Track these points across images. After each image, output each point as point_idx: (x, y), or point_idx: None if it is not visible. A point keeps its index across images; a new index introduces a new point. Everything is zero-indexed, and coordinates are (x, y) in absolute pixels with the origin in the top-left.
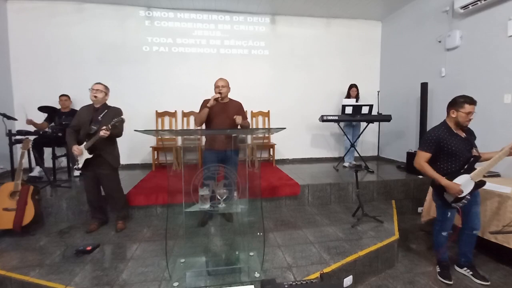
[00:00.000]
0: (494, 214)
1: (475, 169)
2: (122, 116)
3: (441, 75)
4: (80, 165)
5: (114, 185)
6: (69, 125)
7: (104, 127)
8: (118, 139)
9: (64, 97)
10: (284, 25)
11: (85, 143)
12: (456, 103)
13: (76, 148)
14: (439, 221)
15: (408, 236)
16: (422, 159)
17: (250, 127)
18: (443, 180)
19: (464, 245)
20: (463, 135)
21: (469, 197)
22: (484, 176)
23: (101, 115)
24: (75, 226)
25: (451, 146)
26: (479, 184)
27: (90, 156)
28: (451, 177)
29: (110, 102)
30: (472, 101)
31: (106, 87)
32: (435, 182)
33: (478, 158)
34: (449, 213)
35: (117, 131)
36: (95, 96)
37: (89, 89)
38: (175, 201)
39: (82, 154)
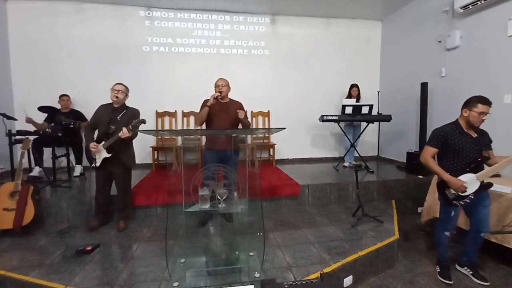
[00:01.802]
0: (494, 214)
1: (482, 169)
2: (142, 118)
3: (441, 75)
4: (98, 164)
5: (125, 184)
6: (89, 123)
7: (124, 128)
8: None
9: (66, 97)
10: (284, 25)
11: (103, 142)
12: (470, 103)
13: (93, 145)
14: (442, 220)
15: (408, 236)
16: (428, 154)
17: (250, 127)
18: (445, 175)
19: (469, 245)
20: (474, 135)
21: (472, 197)
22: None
23: (119, 115)
24: (75, 226)
25: (458, 144)
26: (486, 185)
27: (109, 155)
28: (456, 174)
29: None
30: (485, 101)
31: (126, 88)
32: (439, 179)
33: (486, 159)
34: (453, 212)
35: (134, 133)
36: (116, 97)
37: (110, 89)
38: (175, 201)
39: (100, 152)
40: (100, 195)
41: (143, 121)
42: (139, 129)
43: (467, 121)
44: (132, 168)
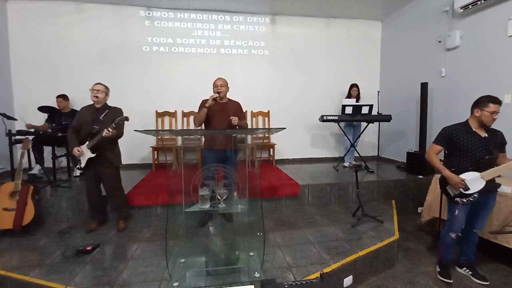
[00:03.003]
0: (494, 214)
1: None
2: (125, 115)
3: (441, 75)
4: (82, 165)
5: (115, 184)
6: (70, 126)
7: (108, 127)
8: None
9: (59, 98)
10: (284, 25)
11: (87, 143)
12: (480, 103)
13: (77, 150)
14: (448, 220)
15: (408, 236)
16: (433, 151)
17: (250, 127)
18: (446, 171)
19: (466, 243)
20: (483, 135)
21: (476, 196)
22: None
23: (102, 115)
24: (75, 226)
25: (463, 143)
26: (494, 186)
27: (93, 155)
28: (460, 172)
29: (111, 102)
30: (496, 101)
31: (106, 87)
32: (442, 175)
33: (493, 159)
34: (456, 211)
35: (119, 131)
36: (96, 97)
37: (90, 90)
38: (175, 201)
39: (84, 155)
40: (91, 195)
41: (126, 119)
42: (141, 130)
43: (479, 121)
44: (120, 167)
